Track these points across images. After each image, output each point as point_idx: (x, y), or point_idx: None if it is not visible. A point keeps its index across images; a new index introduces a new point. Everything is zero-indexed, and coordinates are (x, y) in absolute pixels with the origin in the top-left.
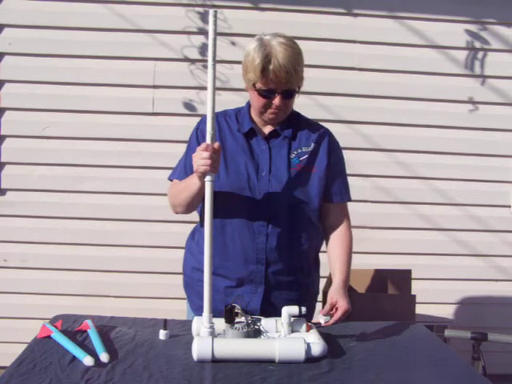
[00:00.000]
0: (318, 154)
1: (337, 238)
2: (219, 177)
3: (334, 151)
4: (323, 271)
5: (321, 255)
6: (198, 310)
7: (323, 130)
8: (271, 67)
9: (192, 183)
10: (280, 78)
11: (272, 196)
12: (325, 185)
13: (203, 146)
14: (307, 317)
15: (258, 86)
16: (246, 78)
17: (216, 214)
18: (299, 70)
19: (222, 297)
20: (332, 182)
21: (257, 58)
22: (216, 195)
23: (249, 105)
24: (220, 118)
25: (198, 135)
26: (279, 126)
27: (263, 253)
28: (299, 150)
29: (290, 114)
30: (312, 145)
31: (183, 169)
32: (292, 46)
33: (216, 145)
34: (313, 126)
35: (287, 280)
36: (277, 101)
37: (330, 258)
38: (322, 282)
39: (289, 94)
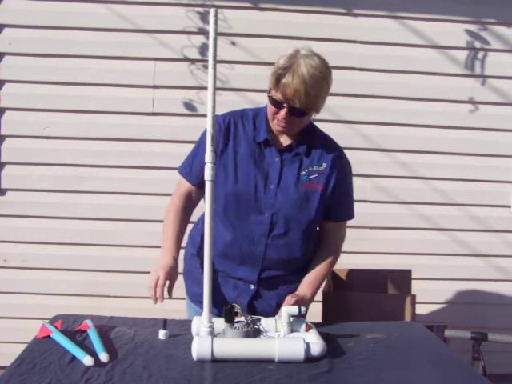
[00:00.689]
0: (328, 175)
1: (322, 255)
2: (228, 181)
3: (344, 174)
4: None
5: None
6: (193, 295)
7: (337, 150)
8: (283, 81)
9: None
10: (287, 94)
11: (276, 209)
12: (329, 205)
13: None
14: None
15: (272, 92)
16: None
17: (219, 216)
18: (313, 94)
19: (219, 287)
20: (337, 203)
21: (278, 66)
22: (221, 198)
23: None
24: (237, 118)
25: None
26: (294, 142)
27: (260, 261)
28: (310, 169)
29: (305, 134)
30: (323, 165)
31: (190, 164)
32: (319, 68)
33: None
34: (327, 143)
35: (280, 281)
36: (281, 113)
37: (308, 269)
38: None
39: (295, 112)
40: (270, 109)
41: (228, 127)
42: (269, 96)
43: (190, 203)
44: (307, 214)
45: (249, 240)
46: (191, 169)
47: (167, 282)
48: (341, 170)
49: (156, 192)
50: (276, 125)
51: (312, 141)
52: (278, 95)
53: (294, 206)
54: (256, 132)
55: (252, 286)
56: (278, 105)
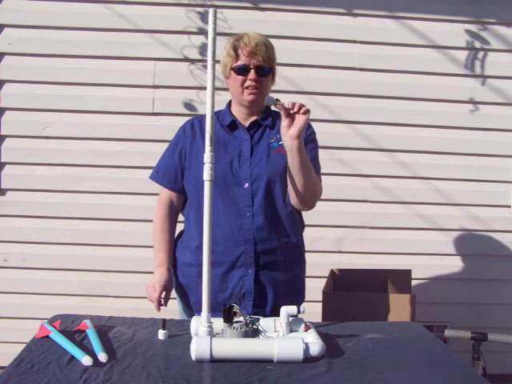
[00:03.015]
0: None
1: None
2: (201, 168)
3: (310, 137)
4: (321, 271)
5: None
6: (193, 305)
7: None
8: (242, 42)
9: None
10: (251, 48)
11: (254, 178)
12: None
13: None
14: (299, 298)
15: (234, 65)
16: (224, 70)
17: (201, 202)
18: (269, 47)
19: (218, 286)
20: None
21: (229, 44)
22: (200, 184)
23: (228, 104)
24: (199, 118)
25: (177, 139)
26: (260, 117)
27: (251, 233)
28: (278, 136)
29: (269, 110)
30: None
31: (160, 171)
32: (262, 35)
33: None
34: None
35: (275, 259)
36: (250, 76)
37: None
38: (316, 281)
39: (262, 70)
40: (237, 81)
41: (192, 126)
42: (232, 69)
43: (172, 210)
44: (283, 176)
45: (235, 214)
46: (164, 173)
47: (163, 293)
48: (309, 135)
49: (156, 192)
50: (247, 94)
51: (274, 116)
52: (242, 61)
53: (270, 171)
54: (221, 121)
55: (250, 271)
56: (244, 70)
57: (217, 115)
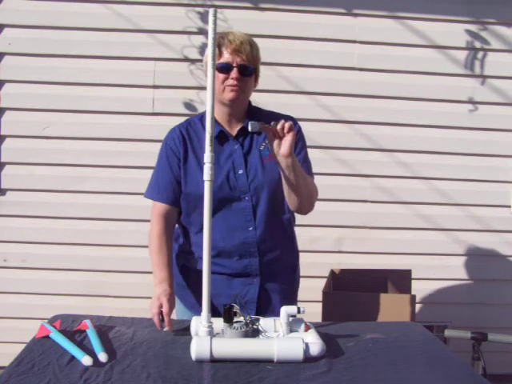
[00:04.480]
0: None
1: None
2: (200, 183)
3: (298, 134)
4: (321, 271)
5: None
6: (193, 307)
7: (287, 117)
8: (227, 39)
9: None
10: (235, 46)
11: (253, 191)
12: None
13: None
14: (294, 295)
15: (216, 62)
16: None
17: (202, 217)
18: (254, 47)
19: (221, 289)
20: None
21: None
22: (199, 201)
23: None
24: (187, 127)
25: (167, 152)
26: (245, 122)
27: (255, 246)
28: (266, 141)
29: (250, 109)
30: None
31: (156, 187)
32: (247, 34)
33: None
34: (275, 115)
35: (279, 267)
36: (232, 74)
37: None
38: (316, 281)
39: (245, 70)
40: (219, 79)
41: (183, 137)
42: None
43: (168, 223)
44: (279, 183)
45: (237, 228)
46: (159, 188)
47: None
48: (296, 133)
49: None
50: (229, 93)
51: (260, 118)
52: (224, 59)
53: (267, 183)
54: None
55: (255, 280)
56: (227, 68)
57: (201, 121)
